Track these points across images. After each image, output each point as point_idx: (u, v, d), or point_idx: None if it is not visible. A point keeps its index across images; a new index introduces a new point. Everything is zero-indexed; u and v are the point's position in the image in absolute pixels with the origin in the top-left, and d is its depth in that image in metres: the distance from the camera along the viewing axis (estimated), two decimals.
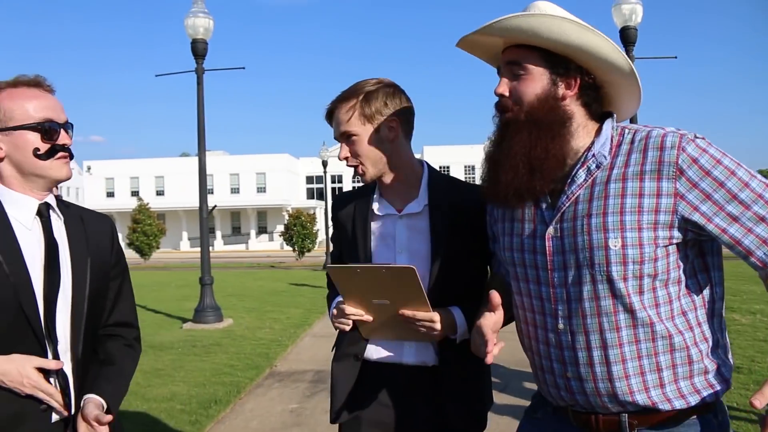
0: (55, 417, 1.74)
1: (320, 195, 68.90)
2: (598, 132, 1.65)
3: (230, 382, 6.70)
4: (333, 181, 59.77)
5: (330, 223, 2.36)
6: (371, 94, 2.03)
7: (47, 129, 1.74)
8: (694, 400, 1.58)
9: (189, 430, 5.02)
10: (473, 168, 65.85)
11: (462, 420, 2.10)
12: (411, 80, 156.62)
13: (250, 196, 64.51)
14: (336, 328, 2.04)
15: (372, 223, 2.15)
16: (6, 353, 1.64)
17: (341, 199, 2.33)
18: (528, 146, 1.59)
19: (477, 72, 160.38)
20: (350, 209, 2.22)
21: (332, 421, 2.24)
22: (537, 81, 1.62)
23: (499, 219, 1.82)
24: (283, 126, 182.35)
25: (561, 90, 1.62)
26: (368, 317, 1.95)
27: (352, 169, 2.09)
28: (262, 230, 65.23)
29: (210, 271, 10.99)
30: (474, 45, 1.76)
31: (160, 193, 59.88)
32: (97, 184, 61.30)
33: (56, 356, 1.73)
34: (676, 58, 11.93)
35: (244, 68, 11.28)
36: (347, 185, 69.87)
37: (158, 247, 36.51)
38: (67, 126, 1.81)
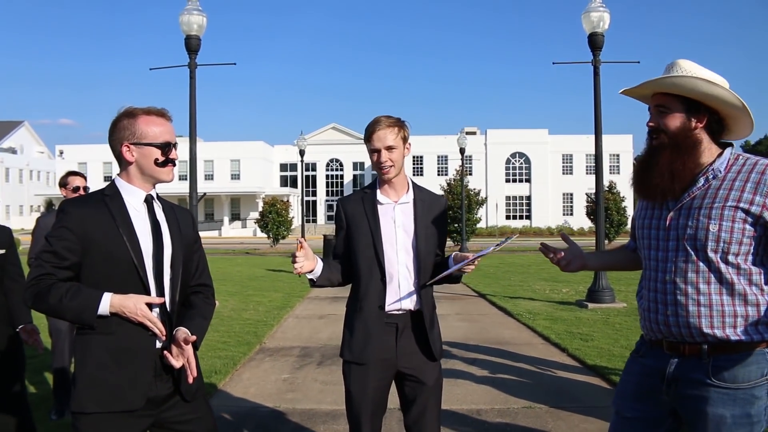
0: (158, 344, 2.46)
1: (294, 182, 69.13)
2: (720, 155, 2.35)
3: (225, 356, 7.34)
4: (307, 169, 60.04)
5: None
6: (403, 125, 3.05)
7: (166, 148, 2.52)
8: (756, 337, 2.24)
9: None
10: (446, 158, 66.64)
11: (438, 349, 3.09)
12: (387, 69, 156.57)
13: (224, 182, 64.55)
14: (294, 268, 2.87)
15: (378, 207, 3.07)
16: (122, 293, 2.36)
17: (348, 197, 3.23)
18: (670, 161, 2.34)
19: (455, 64, 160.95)
20: (359, 202, 3.12)
21: (349, 358, 3.06)
22: (676, 118, 2.36)
23: (640, 207, 2.58)
24: (258, 113, 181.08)
25: (693, 123, 2.35)
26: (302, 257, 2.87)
27: (386, 169, 2.99)
28: (235, 217, 65.38)
29: None
30: (632, 93, 2.55)
31: None
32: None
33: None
34: (639, 63, 12.68)
35: (235, 64, 11.83)
36: (321, 174, 70.21)
37: None
38: (176, 145, 2.58)
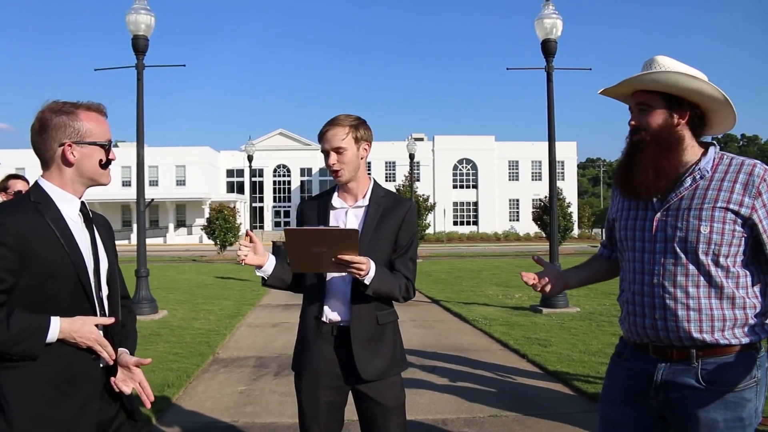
0: (101, 365, 2.23)
1: (240, 189, 68.33)
2: (704, 153, 2.30)
3: (178, 368, 7.04)
4: (254, 175, 59.39)
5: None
6: (359, 125, 2.87)
7: (109, 147, 2.29)
8: (744, 340, 2.21)
9: (150, 411, 5.35)
10: (394, 164, 66.82)
11: (372, 369, 2.80)
12: (335, 75, 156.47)
13: (169, 188, 63.33)
14: (238, 257, 2.75)
15: (331, 212, 2.93)
16: (68, 316, 2.11)
17: (309, 199, 3.10)
18: (654, 158, 2.27)
19: (402, 71, 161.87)
20: (315, 205, 3.00)
21: (294, 369, 2.94)
22: (658, 115, 2.29)
23: (621, 208, 2.48)
24: (204, 118, 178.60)
25: (675, 119, 2.28)
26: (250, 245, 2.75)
27: (335, 171, 2.85)
28: (180, 223, 64.15)
29: (146, 263, 11.20)
30: (611, 92, 2.46)
31: None
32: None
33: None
34: (591, 69, 12.83)
35: (184, 65, 11.53)
36: (268, 180, 69.66)
37: None
38: None
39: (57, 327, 2.05)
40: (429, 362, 7.31)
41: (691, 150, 2.31)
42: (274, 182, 70.92)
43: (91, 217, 2.31)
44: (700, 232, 2.20)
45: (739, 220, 2.20)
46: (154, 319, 10.77)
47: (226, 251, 34.35)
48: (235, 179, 70.88)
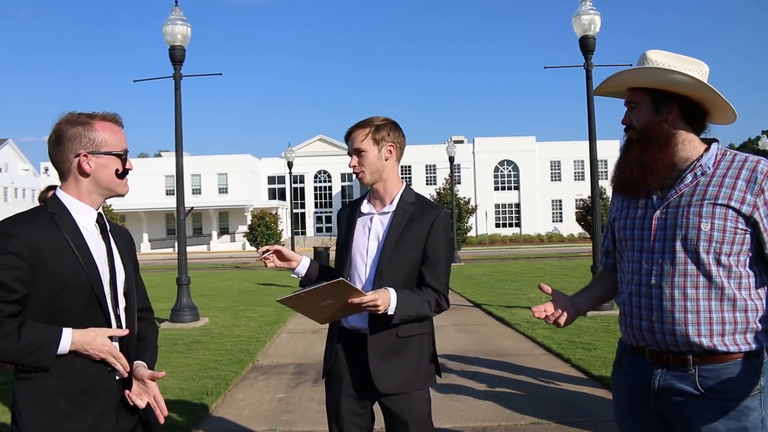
0: (116, 377, 2.20)
1: (282, 195, 68.98)
2: (707, 149, 2.20)
3: (217, 375, 7.05)
4: (295, 182, 59.85)
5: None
6: (382, 126, 2.81)
7: (125, 157, 2.28)
8: (744, 348, 2.09)
9: (187, 419, 5.38)
10: (434, 167, 66.64)
11: (391, 383, 2.74)
12: (373, 80, 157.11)
13: (212, 196, 64.27)
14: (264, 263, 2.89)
15: (358, 219, 2.90)
16: (82, 328, 2.08)
17: (345, 205, 3.08)
18: (639, 155, 2.21)
19: (441, 74, 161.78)
20: (347, 211, 3.01)
21: (323, 377, 2.98)
22: (644, 110, 2.23)
23: (621, 207, 2.39)
24: (244, 126, 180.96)
25: (664, 114, 2.20)
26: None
27: (356, 174, 2.86)
28: (223, 231, 65.02)
29: (187, 271, 11.29)
30: (606, 94, 2.45)
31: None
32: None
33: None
34: (631, 65, 12.51)
35: (221, 74, 11.63)
36: (309, 186, 70.19)
37: None
38: None
39: (69, 338, 2.04)
40: (470, 368, 7.17)
41: (690, 145, 2.21)
42: (315, 188, 71.41)
43: (108, 228, 2.29)
44: (700, 230, 2.10)
45: (741, 218, 2.09)
46: (195, 326, 10.85)
47: None
48: (276, 186, 71.60)
